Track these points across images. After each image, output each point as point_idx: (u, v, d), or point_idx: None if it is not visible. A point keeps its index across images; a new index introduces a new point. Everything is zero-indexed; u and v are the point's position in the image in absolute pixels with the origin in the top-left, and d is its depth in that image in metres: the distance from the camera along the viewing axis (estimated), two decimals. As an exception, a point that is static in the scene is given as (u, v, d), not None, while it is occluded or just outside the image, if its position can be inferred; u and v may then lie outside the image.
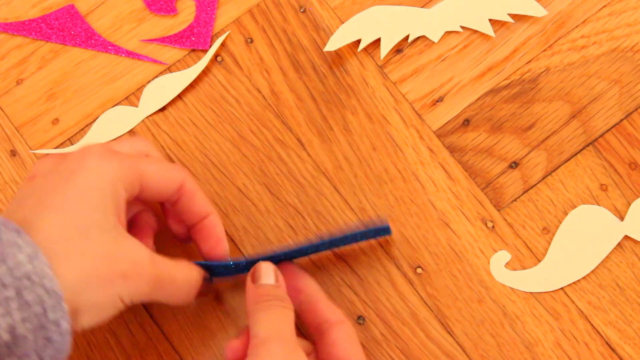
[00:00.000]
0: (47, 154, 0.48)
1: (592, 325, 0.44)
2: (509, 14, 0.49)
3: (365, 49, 0.49)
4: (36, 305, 0.34)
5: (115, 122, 0.49)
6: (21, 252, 0.34)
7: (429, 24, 0.49)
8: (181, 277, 0.40)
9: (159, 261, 0.39)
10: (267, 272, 0.41)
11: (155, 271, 0.39)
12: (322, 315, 0.41)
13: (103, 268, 0.37)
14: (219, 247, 0.43)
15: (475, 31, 0.49)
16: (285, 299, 0.40)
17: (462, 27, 0.49)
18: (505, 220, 0.45)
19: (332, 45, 0.48)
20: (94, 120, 0.49)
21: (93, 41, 0.50)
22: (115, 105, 0.49)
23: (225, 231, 0.46)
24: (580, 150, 0.47)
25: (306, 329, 0.42)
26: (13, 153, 0.49)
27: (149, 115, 0.48)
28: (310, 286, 0.43)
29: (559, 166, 0.46)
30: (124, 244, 0.38)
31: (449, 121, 0.47)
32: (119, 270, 0.37)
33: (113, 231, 0.38)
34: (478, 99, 0.48)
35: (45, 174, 0.39)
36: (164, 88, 0.49)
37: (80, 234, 0.37)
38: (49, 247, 0.35)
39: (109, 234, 0.37)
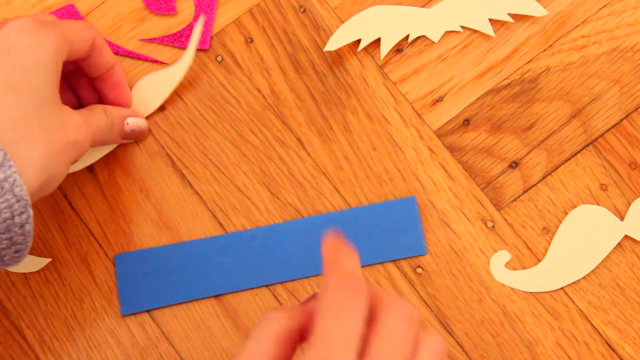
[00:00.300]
0: None
1: (592, 325, 0.44)
2: (509, 14, 0.49)
3: (365, 48, 0.49)
4: (6, 211, 0.37)
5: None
6: None
7: (429, 24, 0.49)
8: (104, 123, 0.44)
9: (90, 120, 0.43)
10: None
11: (91, 129, 0.42)
12: None
13: (58, 141, 0.40)
14: (122, 92, 0.47)
15: (475, 31, 0.49)
16: None
17: (462, 27, 0.49)
18: (505, 220, 0.45)
19: (332, 45, 0.48)
20: (94, 120, 0.49)
21: (93, 41, 0.50)
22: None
23: (226, 231, 0.46)
24: (580, 150, 0.47)
25: None
26: (13, 153, 0.49)
27: (149, 115, 0.48)
28: None
29: (559, 166, 0.46)
30: (67, 114, 0.41)
31: (449, 121, 0.47)
32: (70, 140, 0.41)
33: (57, 105, 0.41)
34: (478, 98, 0.48)
35: None
36: (153, 87, 0.49)
37: (35, 111, 0.39)
38: (10, 132, 0.38)
39: (56, 109, 0.40)
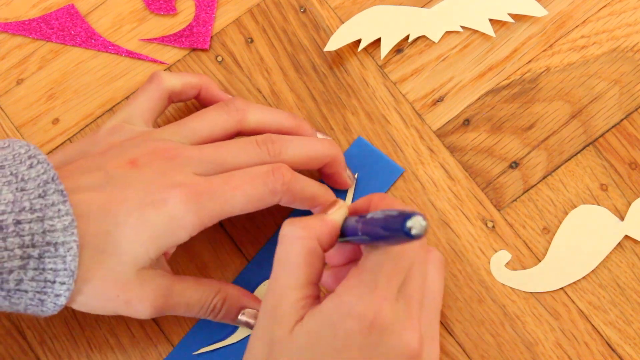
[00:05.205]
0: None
1: (592, 325, 0.44)
2: (509, 14, 0.49)
3: (365, 49, 0.49)
4: (50, 273, 0.36)
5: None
6: (60, 220, 0.36)
7: (429, 24, 0.49)
8: (197, 301, 0.41)
9: (174, 290, 0.40)
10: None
11: (160, 300, 0.40)
12: None
13: (112, 292, 0.38)
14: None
15: (476, 31, 0.49)
16: None
17: (462, 27, 0.49)
18: (506, 220, 0.45)
19: (332, 45, 0.48)
20: (94, 120, 0.49)
21: (93, 41, 0.50)
22: (115, 105, 0.49)
23: (226, 231, 0.46)
24: (581, 150, 0.47)
25: None
26: (13, 153, 0.49)
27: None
28: None
29: (559, 166, 0.46)
30: (152, 273, 0.39)
31: (449, 121, 0.47)
32: (124, 298, 0.39)
33: (142, 267, 0.39)
34: (478, 99, 0.48)
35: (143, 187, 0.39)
36: None
37: (114, 247, 0.38)
38: (85, 240, 0.37)
39: (137, 267, 0.39)
